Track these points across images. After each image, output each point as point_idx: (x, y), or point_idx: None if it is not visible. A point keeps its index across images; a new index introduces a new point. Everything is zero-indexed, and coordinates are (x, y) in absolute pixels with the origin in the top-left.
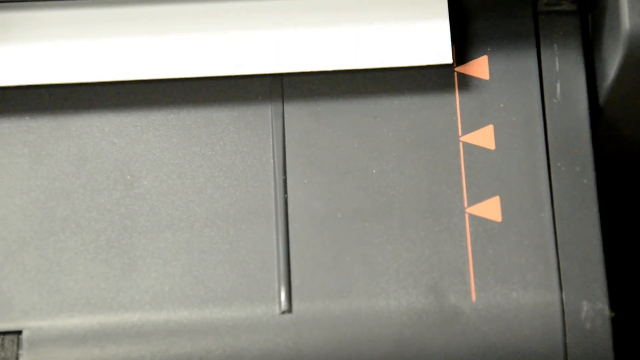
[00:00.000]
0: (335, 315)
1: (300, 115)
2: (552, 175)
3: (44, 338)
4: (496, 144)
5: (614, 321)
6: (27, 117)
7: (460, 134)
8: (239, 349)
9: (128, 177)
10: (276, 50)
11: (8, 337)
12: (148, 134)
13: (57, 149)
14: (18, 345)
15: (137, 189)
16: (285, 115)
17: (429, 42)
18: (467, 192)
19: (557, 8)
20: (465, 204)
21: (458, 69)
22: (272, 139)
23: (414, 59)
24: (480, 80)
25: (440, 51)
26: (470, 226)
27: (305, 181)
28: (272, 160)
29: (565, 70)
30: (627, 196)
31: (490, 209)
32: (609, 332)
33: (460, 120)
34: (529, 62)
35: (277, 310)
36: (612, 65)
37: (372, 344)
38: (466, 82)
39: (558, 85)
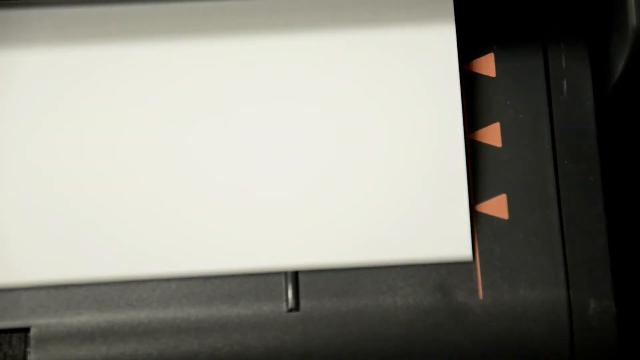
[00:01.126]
0: (342, 313)
1: None
2: (559, 173)
3: (52, 335)
4: (503, 142)
5: (620, 318)
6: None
7: (466, 131)
8: (246, 347)
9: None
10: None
11: (16, 335)
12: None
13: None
14: (26, 342)
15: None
16: None
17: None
18: (474, 190)
19: (563, 5)
20: (472, 202)
21: (464, 66)
22: None
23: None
24: (486, 77)
25: (457, 245)
26: (477, 224)
27: None
28: None
29: (572, 67)
30: (634, 193)
31: (497, 206)
32: (616, 329)
33: (467, 117)
34: (535, 59)
35: (284, 308)
36: (618, 62)
37: (379, 341)
38: (472, 79)
39: (564, 82)
